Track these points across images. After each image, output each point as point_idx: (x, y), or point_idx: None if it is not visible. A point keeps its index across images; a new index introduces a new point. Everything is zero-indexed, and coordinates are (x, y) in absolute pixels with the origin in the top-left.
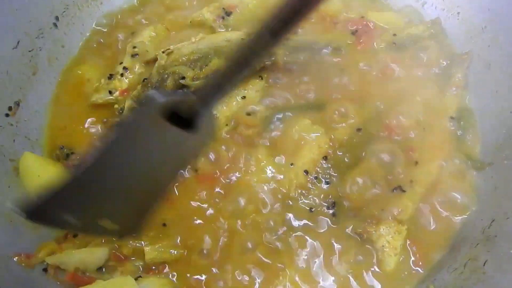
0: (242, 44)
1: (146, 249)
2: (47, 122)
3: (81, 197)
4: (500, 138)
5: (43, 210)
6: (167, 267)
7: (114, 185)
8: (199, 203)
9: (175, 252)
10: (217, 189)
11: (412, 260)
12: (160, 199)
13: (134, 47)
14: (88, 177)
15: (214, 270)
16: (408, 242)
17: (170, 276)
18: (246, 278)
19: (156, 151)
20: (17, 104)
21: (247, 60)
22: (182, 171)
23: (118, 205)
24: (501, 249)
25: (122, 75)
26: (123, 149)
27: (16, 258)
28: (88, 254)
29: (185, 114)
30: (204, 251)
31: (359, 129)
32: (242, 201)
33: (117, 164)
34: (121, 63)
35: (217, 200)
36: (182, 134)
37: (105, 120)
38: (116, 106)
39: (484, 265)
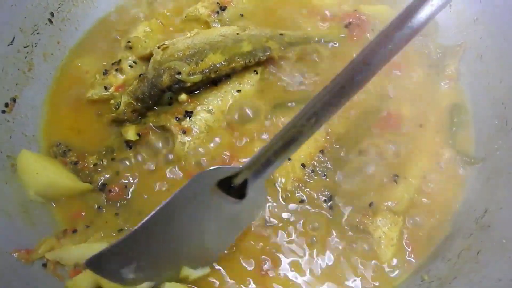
0: (290, 125)
1: None
2: (43, 118)
3: (135, 254)
4: (492, 129)
5: (105, 261)
6: None
7: (165, 246)
8: None
9: None
10: None
11: (408, 251)
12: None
13: (129, 42)
14: (144, 234)
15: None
16: (403, 233)
17: None
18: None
19: (211, 218)
20: (13, 100)
21: (295, 139)
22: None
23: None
24: (494, 238)
25: (117, 70)
26: (181, 216)
27: (16, 254)
28: (87, 250)
29: (237, 185)
30: None
31: (352, 123)
32: None
33: (170, 227)
34: (116, 61)
35: None
36: (235, 203)
37: (99, 112)
38: (112, 101)
39: (477, 254)
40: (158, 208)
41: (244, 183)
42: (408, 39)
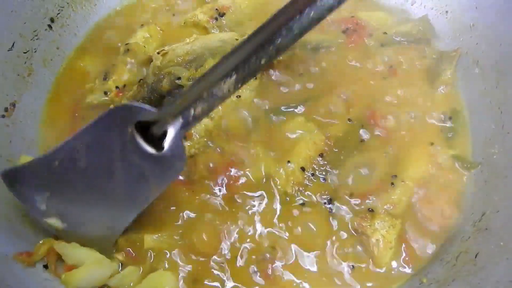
0: (212, 69)
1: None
2: (43, 122)
3: (46, 181)
4: (489, 133)
5: (20, 177)
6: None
7: (73, 180)
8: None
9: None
10: (217, 187)
11: (405, 254)
12: (116, 223)
13: (128, 49)
14: (54, 161)
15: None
16: (400, 236)
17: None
18: None
19: (122, 161)
20: (13, 105)
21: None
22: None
23: (72, 204)
24: (492, 241)
25: (116, 76)
26: (92, 149)
27: (17, 257)
28: (91, 253)
29: (155, 131)
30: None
31: (350, 125)
32: (239, 199)
33: (83, 163)
34: (115, 66)
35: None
36: (150, 152)
37: None
38: (111, 106)
39: (475, 257)
40: (73, 135)
41: (163, 136)
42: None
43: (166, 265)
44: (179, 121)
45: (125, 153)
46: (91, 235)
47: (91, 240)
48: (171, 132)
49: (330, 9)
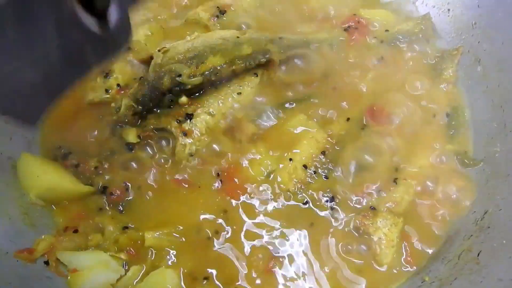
0: None
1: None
2: (44, 120)
3: None
4: (491, 132)
5: None
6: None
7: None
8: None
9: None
10: (216, 185)
11: (408, 252)
12: (58, 91)
13: (129, 47)
14: None
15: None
16: (402, 234)
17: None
18: None
19: (61, 32)
20: None
21: None
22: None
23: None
24: (495, 239)
25: (118, 73)
26: (23, 19)
27: (18, 255)
28: (92, 256)
29: (99, 4)
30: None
31: (352, 123)
32: (241, 197)
33: (11, 31)
34: (116, 62)
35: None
36: (92, 28)
37: (100, 117)
38: (113, 104)
39: (478, 255)
40: None
41: (107, 9)
42: None
43: (168, 263)
44: None
45: (63, 26)
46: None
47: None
48: (115, 6)
49: None
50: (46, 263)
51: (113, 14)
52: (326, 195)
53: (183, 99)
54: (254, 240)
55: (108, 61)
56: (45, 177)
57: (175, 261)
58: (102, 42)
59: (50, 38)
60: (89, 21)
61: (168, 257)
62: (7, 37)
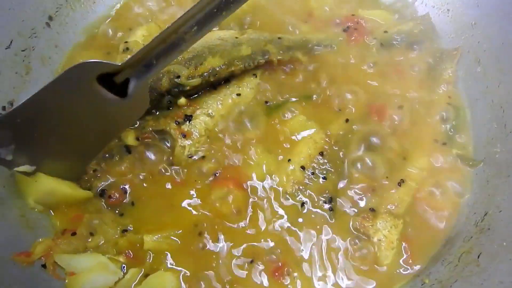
0: (170, 30)
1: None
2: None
3: (10, 136)
4: (491, 132)
5: None
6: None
7: (43, 128)
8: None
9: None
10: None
11: (408, 254)
12: (85, 157)
13: (127, 47)
14: (23, 117)
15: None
16: (402, 236)
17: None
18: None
19: (88, 110)
20: (11, 104)
21: (176, 45)
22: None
23: (40, 150)
24: (495, 241)
25: None
26: (56, 102)
27: (16, 258)
28: (90, 259)
29: (118, 82)
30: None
31: (350, 124)
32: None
33: (48, 113)
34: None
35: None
36: (114, 99)
37: None
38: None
39: (478, 257)
40: (36, 93)
41: (126, 83)
42: None
43: (167, 266)
44: (141, 69)
45: (90, 103)
46: (60, 168)
47: (60, 172)
48: (133, 80)
49: None
50: (44, 266)
51: (131, 87)
52: (324, 197)
53: (182, 100)
54: (251, 242)
55: (131, 125)
56: (43, 181)
57: (173, 264)
58: (124, 109)
59: (81, 113)
60: (111, 96)
61: (166, 260)
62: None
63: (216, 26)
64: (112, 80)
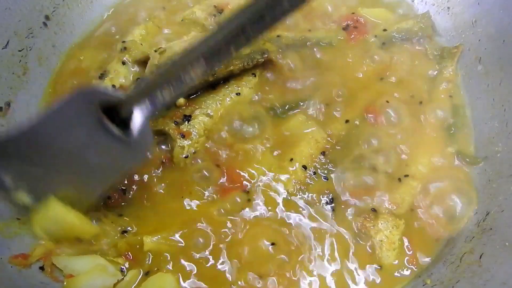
0: (177, 62)
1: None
2: None
3: (10, 162)
4: (493, 131)
5: None
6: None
7: (41, 160)
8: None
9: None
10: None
11: (409, 254)
12: (91, 192)
13: (125, 47)
14: (19, 144)
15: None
16: (404, 237)
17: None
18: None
19: (90, 141)
20: (8, 104)
21: (180, 79)
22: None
23: (40, 181)
24: (497, 241)
25: (113, 74)
26: (57, 130)
27: (13, 260)
28: (88, 262)
29: (122, 116)
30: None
31: (351, 124)
32: (239, 199)
33: (48, 141)
34: (112, 63)
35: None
36: (116, 132)
37: None
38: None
39: (480, 258)
40: (38, 117)
41: (129, 118)
42: None
43: (167, 267)
44: (146, 104)
45: (93, 134)
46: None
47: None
48: (137, 115)
49: None
50: (42, 268)
51: (135, 122)
52: (326, 197)
53: (181, 100)
54: (253, 242)
55: (132, 169)
56: (53, 206)
57: (173, 265)
58: (126, 149)
59: (83, 144)
60: (114, 129)
61: (166, 261)
62: (53, 150)
63: (225, 61)
64: (115, 114)
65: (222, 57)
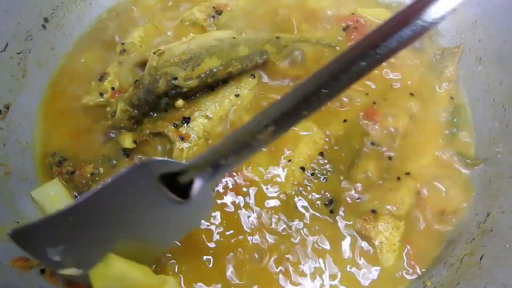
0: (244, 130)
1: None
2: (38, 125)
3: (59, 236)
4: (493, 132)
5: (30, 235)
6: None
7: (98, 233)
8: None
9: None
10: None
11: (409, 256)
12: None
13: (124, 49)
14: (76, 216)
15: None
16: (404, 238)
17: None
18: None
19: (149, 212)
20: (7, 107)
21: (248, 146)
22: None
23: (91, 251)
24: (497, 243)
25: (112, 76)
26: (115, 201)
27: (14, 263)
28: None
29: (182, 182)
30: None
31: (349, 124)
32: (238, 200)
33: (104, 214)
34: (111, 65)
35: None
36: (178, 203)
37: (95, 120)
38: (108, 108)
39: (480, 259)
40: (93, 190)
41: (190, 183)
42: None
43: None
44: (209, 171)
45: (150, 204)
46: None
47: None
48: (199, 181)
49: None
50: (42, 271)
51: (196, 187)
52: (324, 198)
53: (180, 102)
54: (252, 243)
55: (191, 229)
56: (114, 264)
57: (175, 268)
58: (185, 212)
59: (139, 214)
60: (175, 197)
61: (169, 263)
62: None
63: (294, 126)
64: (174, 179)
65: (293, 121)
